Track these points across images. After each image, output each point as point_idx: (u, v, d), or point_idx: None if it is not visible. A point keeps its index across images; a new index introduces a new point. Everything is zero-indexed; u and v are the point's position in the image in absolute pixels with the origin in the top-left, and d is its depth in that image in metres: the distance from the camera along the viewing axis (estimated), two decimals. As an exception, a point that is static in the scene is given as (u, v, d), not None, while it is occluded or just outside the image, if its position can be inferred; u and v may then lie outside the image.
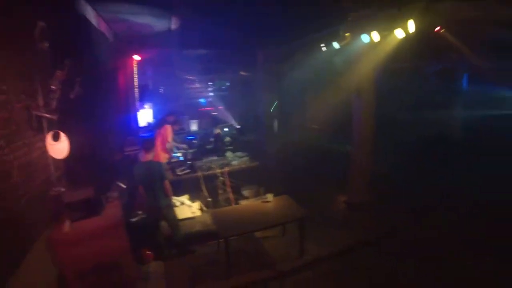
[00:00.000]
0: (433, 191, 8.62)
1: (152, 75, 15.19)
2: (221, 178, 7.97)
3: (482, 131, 10.17)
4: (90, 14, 6.57)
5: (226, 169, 8.09)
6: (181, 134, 11.16)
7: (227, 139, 9.40)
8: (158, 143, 8.16)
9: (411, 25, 6.13)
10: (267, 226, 6.22)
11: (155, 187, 6.00)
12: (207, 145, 9.51)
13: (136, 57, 10.75)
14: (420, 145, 10.54)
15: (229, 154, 8.90)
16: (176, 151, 9.28)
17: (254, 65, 13.93)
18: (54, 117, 4.47)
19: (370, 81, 8.04)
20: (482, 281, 5.55)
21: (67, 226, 4.67)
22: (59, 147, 4.60)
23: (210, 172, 7.97)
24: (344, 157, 8.96)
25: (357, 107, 8.21)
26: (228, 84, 18.44)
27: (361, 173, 8.38)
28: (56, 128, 4.55)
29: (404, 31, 6.35)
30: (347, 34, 7.45)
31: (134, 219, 6.82)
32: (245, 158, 8.63)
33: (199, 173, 7.82)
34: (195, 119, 13.72)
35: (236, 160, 8.50)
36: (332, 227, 7.50)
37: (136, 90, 11.50)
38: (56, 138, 4.51)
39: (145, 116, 12.68)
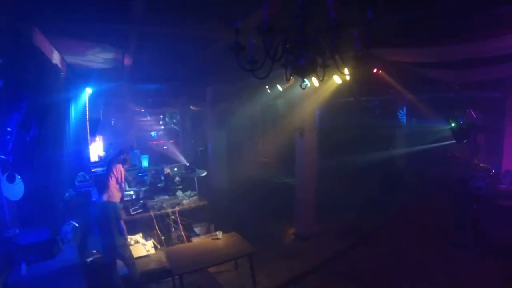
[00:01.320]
0: (374, 220, 9.42)
1: (104, 107, 15.01)
2: (173, 217, 8.14)
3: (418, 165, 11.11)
4: (47, 48, 6.51)
5: (177, 208, 8.27)
6: (133, 170, 11.15)
7: (177, 179, 9.53)
8: (113, 182, 8.18)
9: (346, 73, 6.78)
10: (218, 262, 6.49)
11: (111, 227, 6.04)
12: (158, 183, 9.60)
13: (88, 90, 10.68)
14: (364, 179, 11.21)
15: (179, 193, 9.08)
16: (128, 189, 9.32)
17: (204, 101, 14.26)
18: (9, 158, 4.50)
19: (312, 121, 8.62)
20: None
21: (23, 270, 4.68)
22: (14, 189, 4.65)
23: (162, 211, 8.11)
24: (293, 190, 9.40)
25: (300, 146, 8.75)
26: (179, 117, 18.67)
27: (306, 207, 8.87)
28: (11, 169, 4.59)
29: (341, 78, 6.99)
30: (291, 77, 7.98)
31: (89, 259, 6.81)
32: (195, 198, 8.84)
33: (152, 213, 7.92)
34: (146, 154, 13.71)
35: (186, 199, 8.70)
36: (283, 258, 7.84)
37: (88, 123, 11.42)
38: (11, 179, 4.56)
39: (96, 149, 12.56)
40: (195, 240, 7.57)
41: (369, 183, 11.13)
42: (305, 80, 7.25)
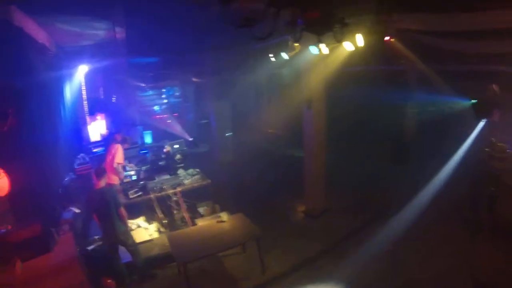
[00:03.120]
0: (385, 195, 8.92)
1: (103, 84, 14.69)
2: (174, 198, 7.76)
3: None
4: (31, 27, 6.11)
5: (179, 189, 7.85)
6: (135, 148, 10.81)
7: (178, 156, 9.04)
8: (111, 165, 7.81)
9: (359, 39, 6.18)
10: (224, 248, 6.13)
11: (111, 214, 5.77)
12: (159, 161, 9.18)
13: (83, 68, 10.35)
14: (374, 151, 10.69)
15: (181, 172, 8.64)
16: (128, 168, 9.00)
17: (206, 72, 13.69)
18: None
19: (320, 92, 8.04)
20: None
21: (17, 267, 4.46)
22: (-2, 184, 4.35)
23: (163, 193, 7.71)
24: (301, 163, 8.93)
25: (307, 118, 8.23)
26: (181, 90, 18.22)
27: (316, 182, 8.43)
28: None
29: (353, 44, 6.40)
30: (296, 44, 7.40)
31: (90, 247, 6.57)
32: (197, 176, 8.37)
33: (152, 195, 7.55)
34: (149, 130, 13.34)
35: (188, 178, 8.25)
36: (293, 238, 7.54)
37: (85, 102, 11.08)
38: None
39: (97, 128, 12.22)
40: (199, 222, 7.24)
41: (379, 156, 10.60)
42: (314, 46, 6.79)
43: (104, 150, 9.15)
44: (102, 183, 5.89)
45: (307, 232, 7.84)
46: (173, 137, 12.56)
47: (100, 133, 12.26)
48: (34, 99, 5.84)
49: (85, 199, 6.21)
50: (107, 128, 13.08)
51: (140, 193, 7.57)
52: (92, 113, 11.56)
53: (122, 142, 8.19)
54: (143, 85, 16.90)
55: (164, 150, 9.22)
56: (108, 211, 5.77)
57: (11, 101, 4.69)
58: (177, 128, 14.69)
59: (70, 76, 9.84)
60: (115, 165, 7.73)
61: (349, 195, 9.36)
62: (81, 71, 10.35)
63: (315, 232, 7.80)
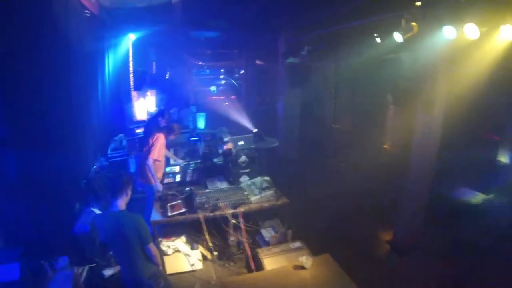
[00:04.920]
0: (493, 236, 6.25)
1: (157, 58, 14.02)
2: (234, 221, 5.33)
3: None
4: None
5: (241, 209, 5.40)
6: (185, 133, 8.94)
7: (243, 158, 6.32)
8: (143, 158, 5.86)
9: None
10: None
11: (132, 252, 3.60)
12: (214, 157, 7.00)
13: (132, 36, 9.31)
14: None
15: (244, 180, 6.17)
16: (172, 162, 7.01)
17: (273, 54, 11.85)
18: None
19: (445, 92, 5.63)
20: None
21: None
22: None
23: (217, 213, 5.26)
24: (388, 172, 7.05)
25: (424, 124, 5.76)
26: (242, 72, 16.78)
27: (415, 208, 6.12)
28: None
29: None
30: (414, 24, 5.13)
31: (108, 273, 4.73)
32: (269, 192, 5.71)
33: (200, 215, 5.16)
34: (203, 112, 11.55)
35: (255, 193, 5.70)
36: (374, 282, 5.21)
37: (131, 76, 9.86)
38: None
39: (145, 106, 10.67)
40: (263, 255, 4.95)
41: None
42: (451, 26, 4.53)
43: (143, 135, 7.29)
44: (121, 204, 3.62)
45: (394, 276, 5.56)
46: (230, 123, 11.19)
47: (147, 111, 10.78)
48: (46, 68, 4.42)
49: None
50: (156, 106, 11.67)
51: (183, 209, 5.20)
52: (139, 88, 9.96)
53: (168, 131, 6.11)
54: (201, 63, 15.84)
55: (225, 147, 6.80)
56: (128, 248, 3.59)
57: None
58: (236, 112, 12.92)
59: (115, 44, 8.68)
60: (149, 161, 5.68)
61: (452, 228, 6.71)
62: (128, 40, 9.32)
63: (403, 278, 5.53)
